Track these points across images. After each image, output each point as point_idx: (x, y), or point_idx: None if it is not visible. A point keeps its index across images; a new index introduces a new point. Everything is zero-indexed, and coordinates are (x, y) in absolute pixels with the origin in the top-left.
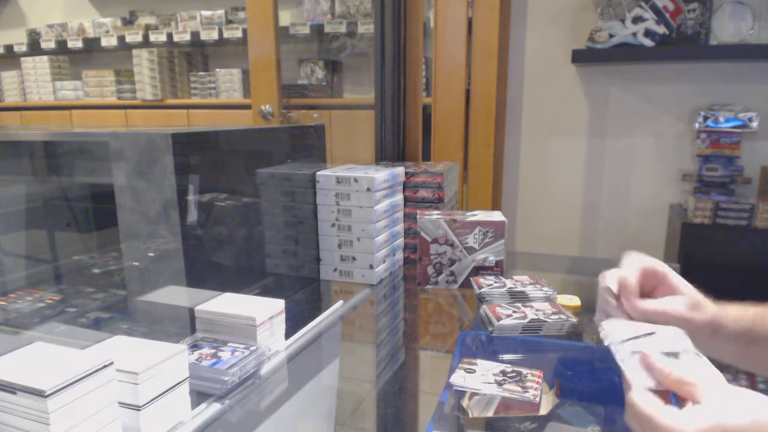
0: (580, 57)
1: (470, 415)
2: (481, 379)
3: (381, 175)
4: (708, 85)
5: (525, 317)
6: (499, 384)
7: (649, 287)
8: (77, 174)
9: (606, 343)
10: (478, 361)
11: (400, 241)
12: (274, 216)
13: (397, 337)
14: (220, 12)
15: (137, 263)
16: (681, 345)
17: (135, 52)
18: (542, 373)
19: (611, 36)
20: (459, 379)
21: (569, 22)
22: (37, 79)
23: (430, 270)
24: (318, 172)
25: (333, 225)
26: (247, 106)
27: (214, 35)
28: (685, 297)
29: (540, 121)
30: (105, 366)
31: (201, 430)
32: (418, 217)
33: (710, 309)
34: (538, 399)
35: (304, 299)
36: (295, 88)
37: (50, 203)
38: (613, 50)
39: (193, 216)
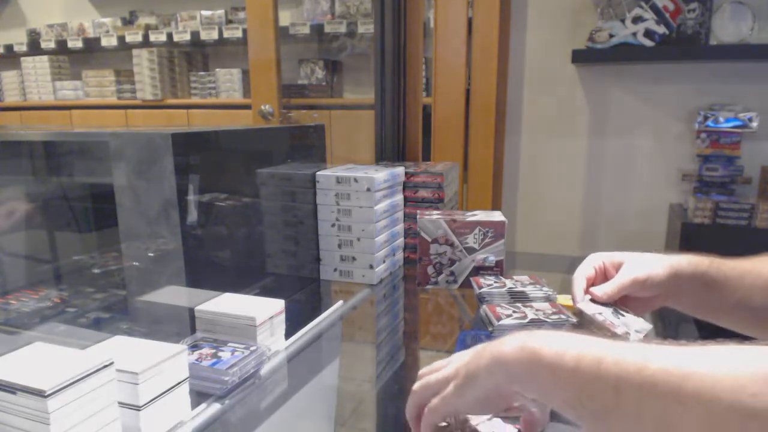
0: (580, 57)
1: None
2: None
3: (381, 175)
4: (708, 85)
5: (525, 317)
6: None
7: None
8: (77, 174)
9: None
10: None
11: (400, 241)
12: (274, 216)
13: (397, 337)
14: (220, 12)
15: (137, 263)
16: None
17: (135, 52)
18: None
19: (611, 36)
20: None
21: (569, 22)
22: (37, 79)
23: (430, 270)
24: (318, 172)
25: (333, 225)
26: (247, 106)
27: (214, 35)
28: (626, 265)
29: (540, 121)
30: (105, 366)
31: (201, 430)
32: (418, 217)
33: (668, 260)
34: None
35: (304, 299)
36: (295, 88)
37: (50, 203)
38: (613, 50)
39: (193, 216)
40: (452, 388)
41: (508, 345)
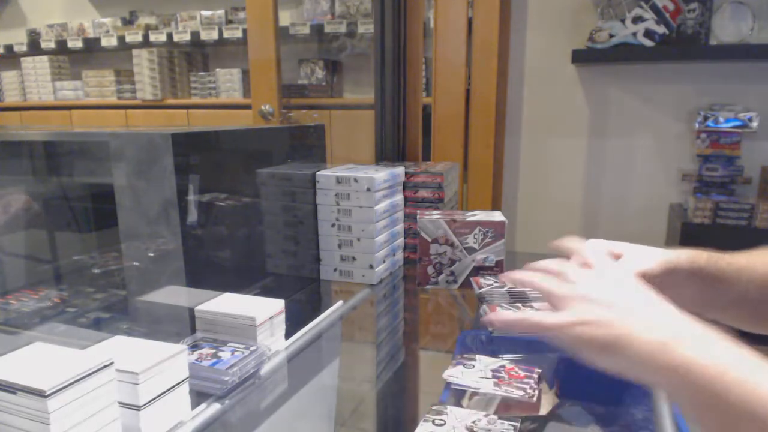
0: (580, 57)
1: None
2: (479, 375)
3: (381, 175)
4: (708, 85)
5: None
6: (495, 376)
7: None
8: (77, 174)
9: None
10: (477, 356)
11: (400, 241)
12: (274, 216)
13: (397, 337)
14: (220, 12)
15: (137, 263)
16: None
17: (135, 52)
18: (541, 371)
19: (611, 36)
20: (457, 373)
21: (569, 22)
22: (37, 79)
23: (430, 270)
24: (318, 172)
25: (333, 225)
26: (247, 106)
27: (214, 35)
28: (624, 258)
29: (540, 121)
30: (105, 366)
31: (201, 430)
32: (418, 217)
33: (666, 255)
34: (535, 399)
35: (304, 299)
36: (295, 88)
37: (50, 203)
38: (613, 50)
39: (193, 216)
40: (590, 326)
41: (667, 358)
